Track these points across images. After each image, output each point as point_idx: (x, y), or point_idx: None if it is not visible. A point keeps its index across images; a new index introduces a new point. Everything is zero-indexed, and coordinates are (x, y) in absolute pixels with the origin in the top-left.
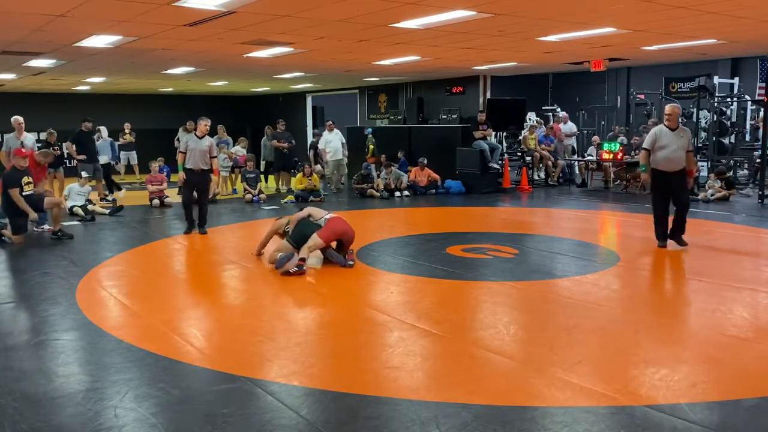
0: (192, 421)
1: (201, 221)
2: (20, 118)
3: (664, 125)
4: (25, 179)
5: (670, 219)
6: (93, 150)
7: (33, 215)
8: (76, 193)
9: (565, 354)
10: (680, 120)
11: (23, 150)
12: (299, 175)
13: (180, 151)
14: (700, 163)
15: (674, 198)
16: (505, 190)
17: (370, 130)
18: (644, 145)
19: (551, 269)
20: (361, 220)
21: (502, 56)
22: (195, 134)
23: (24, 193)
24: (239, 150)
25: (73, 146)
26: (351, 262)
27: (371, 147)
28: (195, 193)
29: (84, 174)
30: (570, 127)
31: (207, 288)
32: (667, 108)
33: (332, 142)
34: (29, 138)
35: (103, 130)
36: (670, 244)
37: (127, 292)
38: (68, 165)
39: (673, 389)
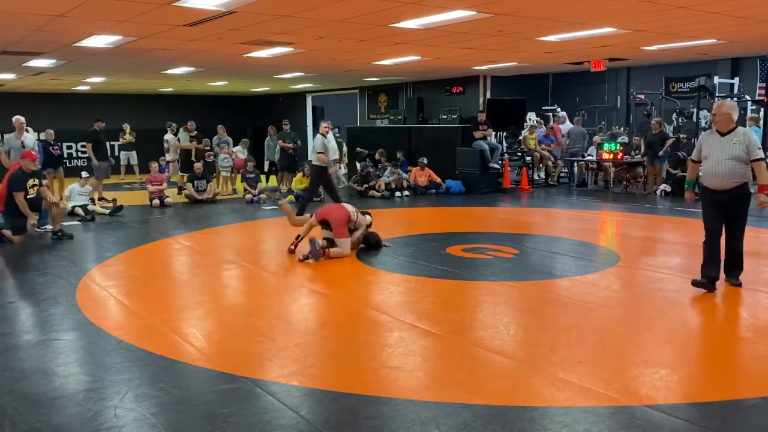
0: (192, 421)
1: None
2: (21, 118)
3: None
4: (31, 182)
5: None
6: (106, 149)
7: (33, 220)
8: (77, 193)
9: (565, 354)
10: (748, 121)
11: (33, 152)
12: (299, 175)
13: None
14: None
15: (726, 227)
16: (505, 190)
17: (337, 129)
18: (692, 156)
19: (551, 269)
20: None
21: (502, 56)
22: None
23: (29, 196)
24: (239, 151)
25: (91, 146)
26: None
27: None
28: None
29: (84, 174)
30: (567, 126)
31: (207, 288)
32: (714, 107)
33: (331, 142)
34: (30, 138)
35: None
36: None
37: (127, 292)
38: (68, 165)
39: (673, 389)
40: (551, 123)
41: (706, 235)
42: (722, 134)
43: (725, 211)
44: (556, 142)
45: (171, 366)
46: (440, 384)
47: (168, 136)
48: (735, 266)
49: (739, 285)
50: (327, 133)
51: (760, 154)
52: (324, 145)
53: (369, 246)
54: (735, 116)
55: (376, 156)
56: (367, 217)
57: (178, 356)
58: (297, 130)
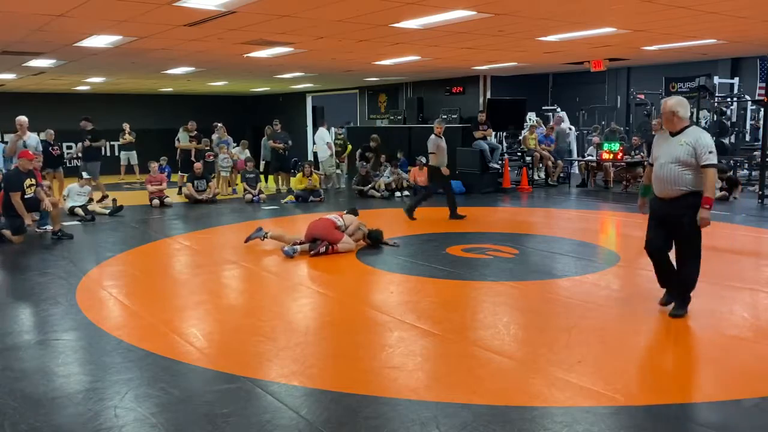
0: (192, 421)
1: None
2: (24, 118)
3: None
4: (28, 181)
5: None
6: (97, 149)
7: (28, 220)
8: (75, 193)
9: (565, 354)
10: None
11: (30, 152)
12: (299, 175)
13: None
14: None
15: (675, 246)
16: (505, 190)
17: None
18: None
19: (551, 269)
20: (362, 220)
21: (502, 56)
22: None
23: (26, 196)
24: (239, 151)
25: (80, 146)
26: (322, 250)
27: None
28: None
29: (85, 175)
30: (564, 128)
31: (207, 288)
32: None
33: (325, 139)
34: (32, 138)
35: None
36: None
37: (127, 292)
38: (68, 165)
39: (673, 389)
40: (551, 123)
41: (647, 252)
42: (672, 134)
43: (668, 226)
44: (556, 142)
45: (171, 366)
46: (440, 384)
47: (214, 137)
48: (679, 295)
49: (680, 316)
50: (440, 133)
51: (711, 159)
52: (437, 145)
53: (374, 242)
54: (683, 113)
55: (371, 144)
56: (356, 219)
57: (178, 356)
58: (297, 130)
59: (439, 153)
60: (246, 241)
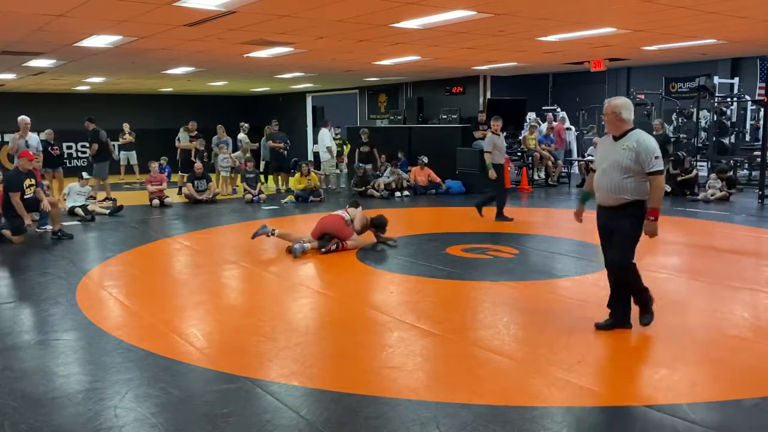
0: (192, 421)
1: None
2: (27, 119)
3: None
4: (27, 181)
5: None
6: (107, 149)
7: (28, 220)
8: (75, 192)
9: (565, 354)
10: (662, 123)
11: (30, 152)
12: (297, 174)
13: None
14: (699, 164)
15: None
16: (505, 190)
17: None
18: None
19: (551, 269)
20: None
21: (502, 56)
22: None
23: (26, 196)
24: (239, 157)
25: (96, 146)
26: (333, 247)
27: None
28: None
29: (85, 174)
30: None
31: (207, 288)
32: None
33: (325, 141)
34: (34, 138)
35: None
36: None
37: (127, 292)
38: (68, 165)
39: (673, 389)
40: (552, 123)
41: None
42: (615, 138)
43: (610, 237)
44: (557, 142)
45: (171, 366)
46: (440, 384)
47: (241, 136)
48: (640, 305)
49: (648, 323)
50: (497, 130)
51: (658, 165)
52: (493, 143)
53: (378, 228)
54: (626, 115)
55: (363, 137)
56: (359, 212)
57: (178, 356)
58: (297, 131)
59: (495, 152)
60: (253, 237)
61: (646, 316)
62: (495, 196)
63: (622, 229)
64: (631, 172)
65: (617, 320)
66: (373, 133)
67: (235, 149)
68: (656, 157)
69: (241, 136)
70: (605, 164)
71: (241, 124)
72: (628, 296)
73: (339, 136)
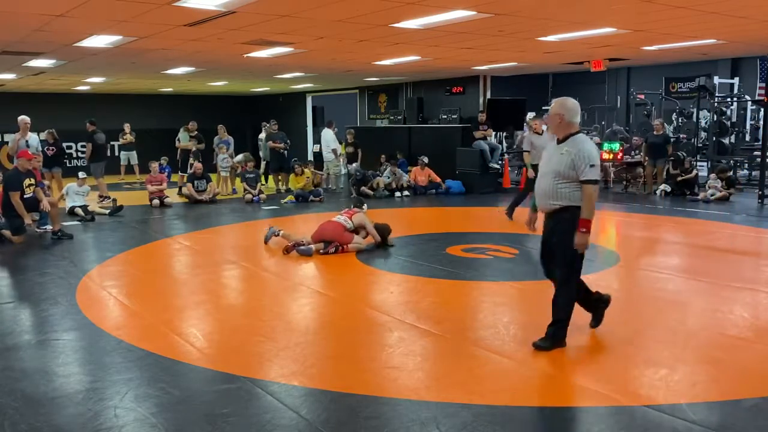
0: (192, 421)
1: None
2: (27, 118)
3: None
4: (27, 181)
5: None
6: (102, 150)
7: (29, 220)
8: (74, 192)
9: (566, 354)
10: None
11: (28, 151)
12: (292, 175)
13: None
14: (699, 164)
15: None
16: (505, 190)
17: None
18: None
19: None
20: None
21: (502, 56)
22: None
23: (26, 196)
24: (240, 162)
25: (90, 147)
26: (332, 250)
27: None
28: None
29: (81, 174)
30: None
31: (207, 288)
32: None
33: (330, 142)
34: (33, 138)
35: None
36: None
37: (127, 292)
38: (68, 165)
39: (673, 389)
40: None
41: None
42: (558, 141)
43: (548, 246)
44: None
45: (171, 366)
46: (440, 384)
47: (263, 135)
48: (552, 323)
49: (542, 348)
50: (539, 129)
51: (591, 174)
52: (531, 142)
53: (382, 235)
54: (570, 117)
55: (348, 138)
56: (364, 206)
57: (178, 356)
58: (297, 131)
59: (533, 151)
60: (266, 242)
61: (545, 340)
62: (522, 195)
63: (558, 240)
64: (565, 178)
65: (596, 319)
66: (374, 136)
67: (238, 151)
68: (591, 165)
69: (263, 135)
70: (545, 168)
71: (264, 123)
72: (588, 298)
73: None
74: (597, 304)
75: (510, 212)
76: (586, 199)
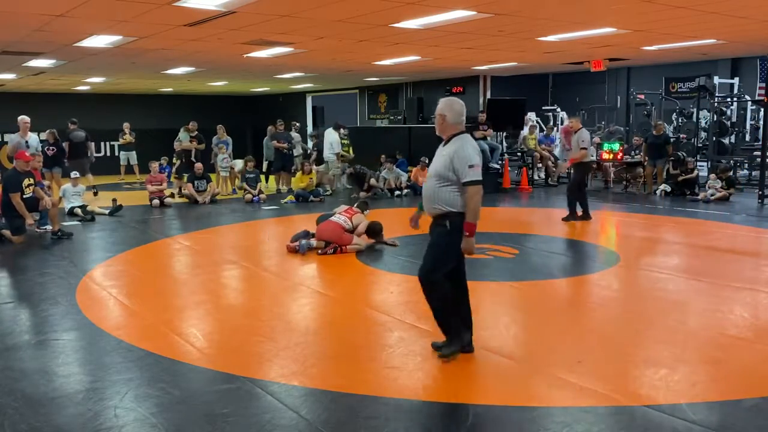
0: (192, 421)
1: None
2: (27, 118)
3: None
4: (26, 181)
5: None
6: (81, 148)
7: (30, 220)
8: (71, 194)
9: (565, 354)
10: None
11: (26, 152)
12: (299, 173)
13: None
14: (699, 164)
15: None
16: (505, 190)
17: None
18: None
19: (551, 269)
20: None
21: (502, 56)
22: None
23: (25, 196)
24: (241, 168)
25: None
26: (331, 251)
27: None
28: None
29: (73, 174)
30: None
31: (207, 288)
32: None
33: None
34: (33, 138)
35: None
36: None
37: (127, 292)
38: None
39: (673, 389)
40: (550, 123)
41: None
42: (444, 142)
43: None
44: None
45: (171, 366)
46: (440, 384)
47: (294, 134)
48: (442, 331)
49: (441, 355)
50: (576, 127)
51: (472, 175)
52: (589, 141)
53: (374, 234)
54: (452, 118)
55: (341, 130)
56: (367, 211)
57: (178, 356)
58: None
59: (573, 149)
60: (303, 253)
61: (447, 347)
62: (582, 196)
63: (431, 243)
64: (445, 180)
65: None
66: (374, 136)
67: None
68: (470, 166)
69: (294, 134)
70: (430, 170)
71: (293, 123)
72: (447, 312)
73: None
74: (457, 329)
75: (577, 216)
76: (470, 202)
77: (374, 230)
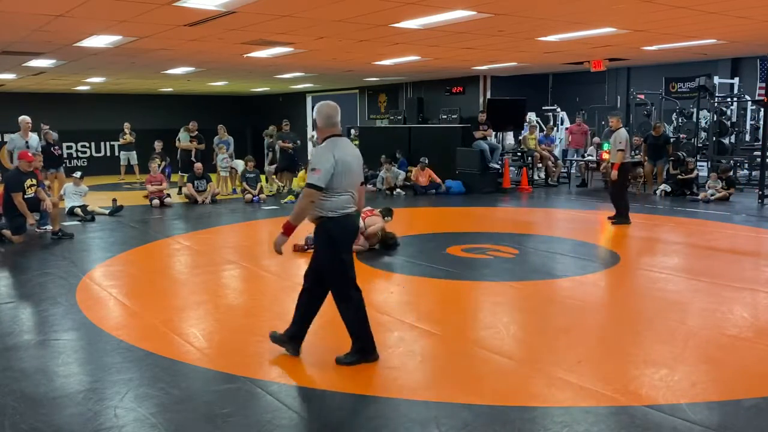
0: (192, 421)
1: None
2: (27, 118)
3: None
4: (28, 182)
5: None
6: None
7: (32, 220)
8: (72, 193)
9: (565, 354)
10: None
11: (29, 153)
12: (301, 173)
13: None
14: (699, 164)
15: None
16: (505, 190)
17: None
18: None
19: (551, 269)
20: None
21: (502, 56)
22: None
23: (26, 196)
24: (239, 164)
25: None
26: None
27: None
28: None
29: (76, 174)
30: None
31: (207, 288)
32: None
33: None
34: (34, 138)
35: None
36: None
37: (127, 292)
38: (68, 164)
39: (673, 389)
40: (550, 123)
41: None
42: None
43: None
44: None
45: (171, 366)
46: (440, 384)
47: (215, 138)
48: (351, 339)
49: (342, 362)
50: (618, 125)
51: (311, 177)
52: (626, 141)
53: (385, 246)
54: (322, 123)
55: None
56: (387, 218)
57: (178, 356)
58: (296, 131)
59: (627, 150)
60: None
61: (348, 355)
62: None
63: (316, 257)
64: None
65: (291, 337)
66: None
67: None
68: (313, 170)
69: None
70: None
71: (284, 121)
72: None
73: (355, 136)
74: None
75: (625, 219)
76: (298, 202)
77: (386, 243)
